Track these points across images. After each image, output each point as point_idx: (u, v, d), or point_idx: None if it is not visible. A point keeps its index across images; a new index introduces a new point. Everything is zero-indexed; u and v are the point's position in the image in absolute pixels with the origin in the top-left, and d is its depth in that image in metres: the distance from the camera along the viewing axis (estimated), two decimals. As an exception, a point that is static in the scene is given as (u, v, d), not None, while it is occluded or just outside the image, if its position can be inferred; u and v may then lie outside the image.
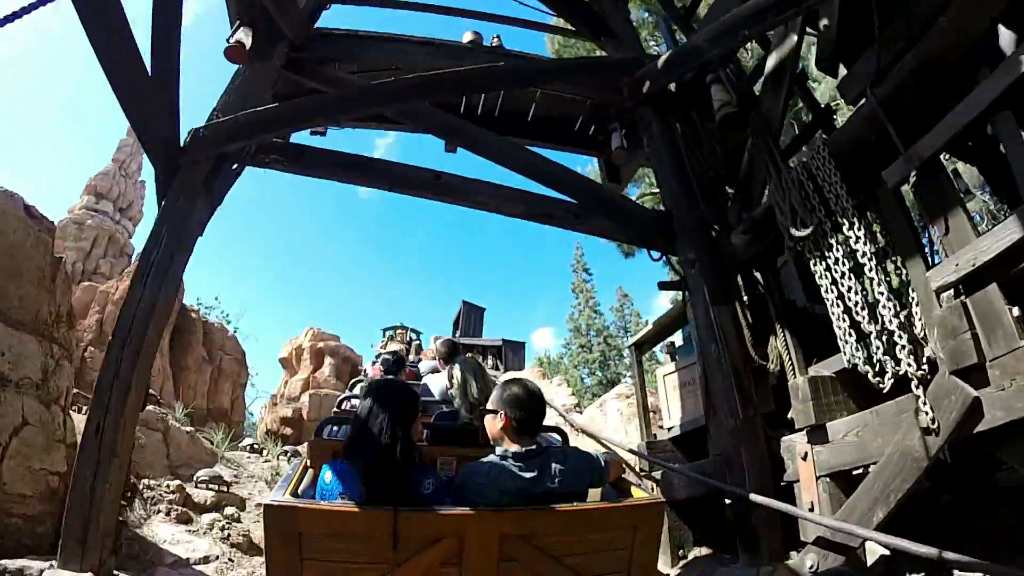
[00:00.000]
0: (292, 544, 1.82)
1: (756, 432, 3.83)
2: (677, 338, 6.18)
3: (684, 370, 5.25)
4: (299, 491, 2.12)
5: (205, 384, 26.18)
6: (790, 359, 3.98)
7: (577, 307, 37.60)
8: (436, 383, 4.59)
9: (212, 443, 11.14)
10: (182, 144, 3.64)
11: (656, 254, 4.55)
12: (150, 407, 9.15)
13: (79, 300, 24.56)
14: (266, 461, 12.37)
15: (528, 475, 2.08)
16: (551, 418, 4.80)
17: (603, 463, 2.31)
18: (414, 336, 22.27)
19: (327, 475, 2.01)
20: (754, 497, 3.46)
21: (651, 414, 5.84)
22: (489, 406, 2.32)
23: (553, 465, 2.14)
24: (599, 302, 38.12)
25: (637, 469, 5.57)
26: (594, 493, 2.21)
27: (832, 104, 7.17)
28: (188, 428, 10.28)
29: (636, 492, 2.36)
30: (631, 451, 5.53)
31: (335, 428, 3.10)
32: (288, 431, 28.16)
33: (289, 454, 12.95)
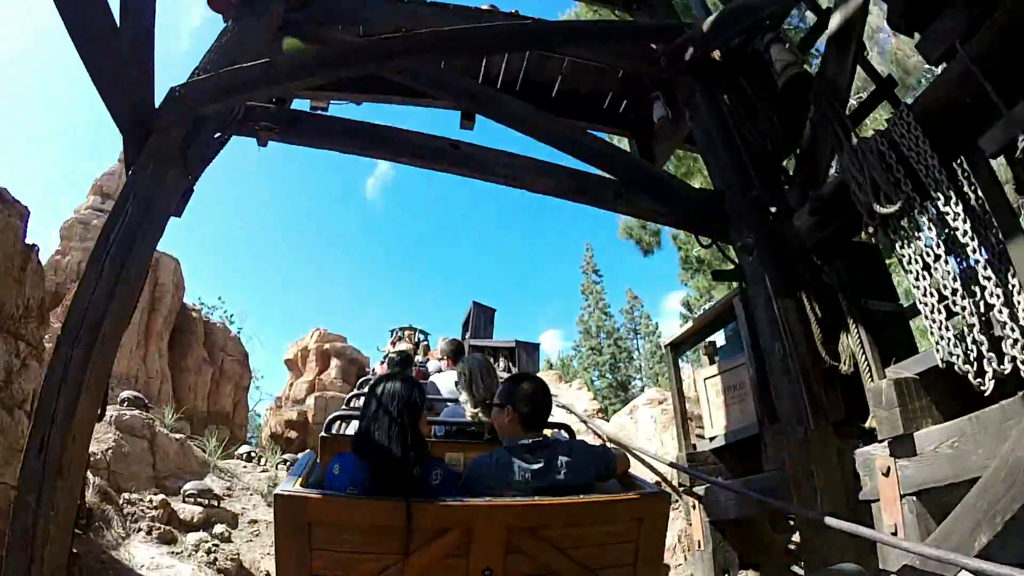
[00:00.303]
0: (302, 534, 1.86)
1: (828, 444, 3.26)
2: (718, 337, 5.57)
3: (728, 372, 4.69)
4: (309, 483, 2.17)
5: (206, 386, 25.10)
6: (865, 359, 3.40)
7: (587, 309, 37.23)
8: (443, 382, 4.63)
9: (205, 451, 10.47)
10: (157, 107, 3.06)
11: (707, 240, 3.96)
12: (136, 412, 8.56)
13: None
14: (264, 471, 11.57)
15: (535, 466, 2.14)
16: (574, 426, 4.62)
17: (610, 456, 2.39)
18: (422, 337, 21.79)
19: (335, 468, 2.07)
20: (830, 521, 2.96)
21: (688, 422, 5.23)
22: (496, 400, 2.39)
23: (560, 458, 2.19)
24: (609, 304, 37.45)
25: (676, 484, 4.97)
26: (604, 486, 2.31)
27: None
28: (178, 435, 9.58)
29: (641, 486, 2.38)
30: (670, 464, 4.93)
31: (343, 424, 3.15)
32: (293, 434, 27.27)
33: (288, 463, 12.00)
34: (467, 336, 20.98)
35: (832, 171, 3.83)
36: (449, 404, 3.88)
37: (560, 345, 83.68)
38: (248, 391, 28.95)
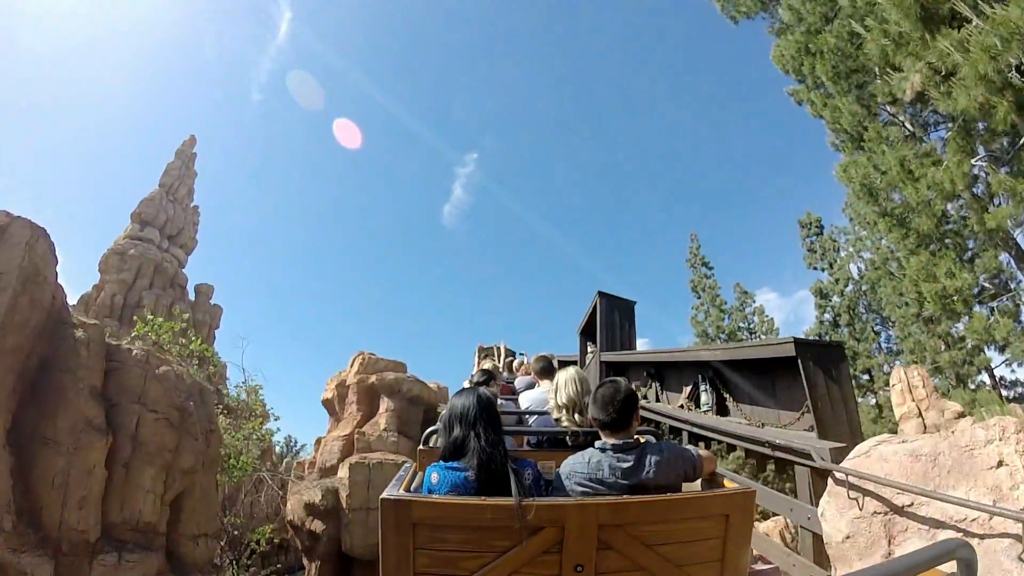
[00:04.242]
0: (406, 535, 2.10)
1: None
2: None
3: None
4: (411, 490, 2.51)
5: (92, 478, 12.94)
6: None
7: (700, 308, 32.15)
8: (531, 397, 5.01)
9: None
10: None
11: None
12: None
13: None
14: None
15: (625, 465, 2.41)
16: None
17: (696, 457, 2.62)
18: (509, 355, 18.29)
19: (432, 476, 2.35)
20: None
21: None
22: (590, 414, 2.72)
23: (649, 457, 2.44)
24: (725, 300, 32.15)
25: None
26: (691, 486, 2.64)
27: None
28: None
29: (728, 484, 2.61)
30: None
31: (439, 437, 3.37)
32: (318, 527, 18.13)
33: None
34: (590, 351, 15.31)
35: None
36: (538, 416, 4.29)
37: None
38: (216, 469, 17.19)
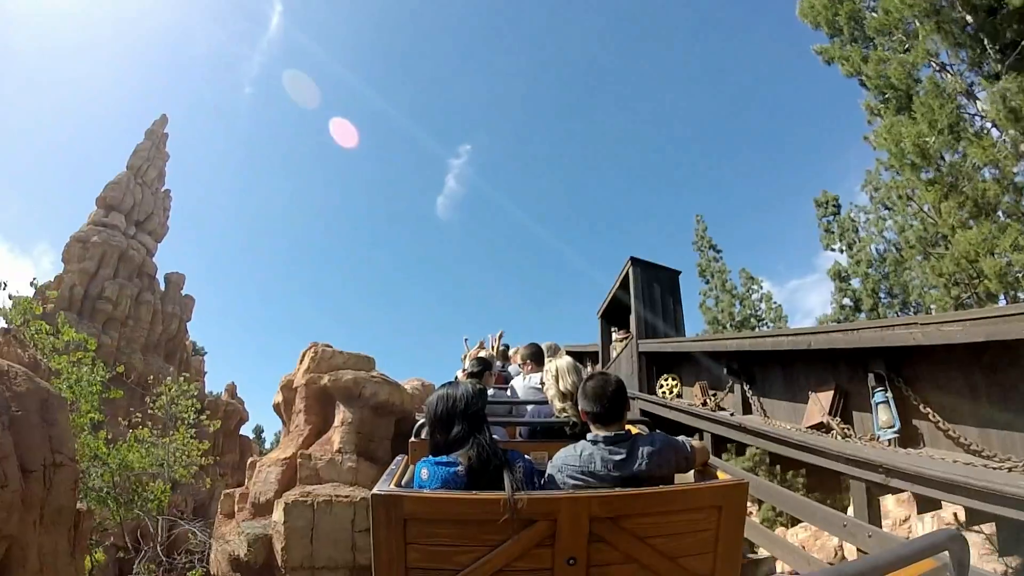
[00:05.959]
0: (398, 530, 2.13)
1: None
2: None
3: None
4: (402, 484, 2.59)
5: None
6: None
7: (710, 294, 30.88)
8: (522, 385, 5.00)
9: None
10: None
11: None
12: None
13: None
14: None
15: (617, 457, 2.46)
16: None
17: (689, 448, 2.68)
18: (504, 344, 16.63)
19: (423, 471, 2.41)
20: None
21: None
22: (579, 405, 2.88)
23: (641, 449, 2.48)
24: (735, 285, 30.86)
25: None
26: (684, 477, 2.71)
27: None
28: None
29: (721, 475, 2.63)
30: None
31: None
32: None
33: None
34: (616, 334, 12.68)
35: None
36: (532, 406, 4.34)
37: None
38: (70, 519, 8.27)
